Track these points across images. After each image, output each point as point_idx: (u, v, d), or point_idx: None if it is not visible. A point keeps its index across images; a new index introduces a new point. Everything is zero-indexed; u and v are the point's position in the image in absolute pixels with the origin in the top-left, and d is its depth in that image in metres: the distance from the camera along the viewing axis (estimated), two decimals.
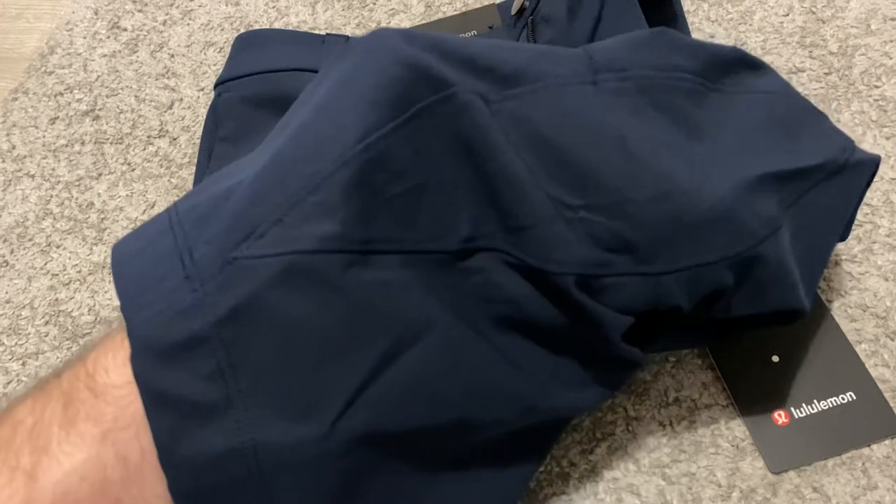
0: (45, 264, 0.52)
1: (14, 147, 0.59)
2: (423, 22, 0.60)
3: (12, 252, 0.53)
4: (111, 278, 0.50)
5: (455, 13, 0.60)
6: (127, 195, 0.54)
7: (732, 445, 0.38)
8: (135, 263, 0.28)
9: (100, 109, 0.60)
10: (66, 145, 0.58)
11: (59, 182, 0.56)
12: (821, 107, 0.48)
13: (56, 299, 0.50)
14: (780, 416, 0.38)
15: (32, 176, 0.57)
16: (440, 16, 0.60)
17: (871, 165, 0.35)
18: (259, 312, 0.26)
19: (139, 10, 0.66)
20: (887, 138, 0.47)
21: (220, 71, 0.54)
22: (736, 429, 0.38)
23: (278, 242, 0.26)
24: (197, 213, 0.29)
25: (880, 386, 0.38)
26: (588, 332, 0.30)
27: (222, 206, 0.28)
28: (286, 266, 0.26)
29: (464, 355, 0.29)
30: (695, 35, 0.53)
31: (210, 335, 0.25)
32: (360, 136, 0.28)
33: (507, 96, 0.30)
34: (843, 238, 0.38)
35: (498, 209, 0.29)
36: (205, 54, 0.62)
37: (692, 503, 0.37)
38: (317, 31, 0.61)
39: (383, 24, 0.60)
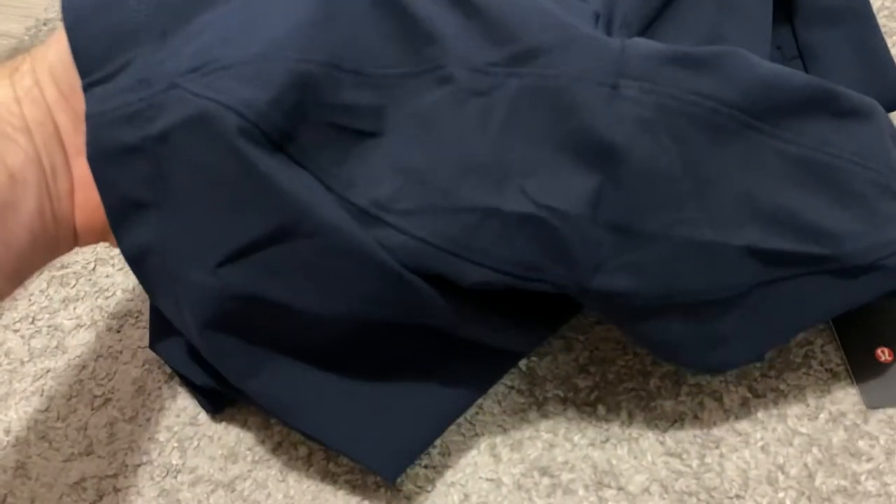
0: None
1: None
2: None
3: None
4: None
5: None
6: None
7: (826, 369, 0.37)
8: (102, 21, 0.30)
9: None
10: None
11: None
12: None
13: None
14: (883, 354, 0.37)
15: None
16: None
17: None
18: (176, 144, 0.29)
19: None
20: None
21: None
22: (832, 353, 0.37)
23: (210, 86, 0.28)
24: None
25: None
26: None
27: (200, 21, 0.30)
28: (200, 111, 0.28)
29: (353, 257, 0.30)
30: None
31: (146, 146, 0.29)
32: (338, 57, 0.29)
33: (513, 73, 0.29)
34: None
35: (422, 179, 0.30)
36: None
37: (777, 418, 0.36)
38: None
39: None
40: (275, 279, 0.31)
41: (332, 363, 0.35)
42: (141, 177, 0.30)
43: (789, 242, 0.30)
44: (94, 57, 0.29)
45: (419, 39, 0.30)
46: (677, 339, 0.32)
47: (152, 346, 0.39)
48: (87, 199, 0.31)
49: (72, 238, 0.32)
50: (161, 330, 0.38)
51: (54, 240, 0.32)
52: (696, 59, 0.29)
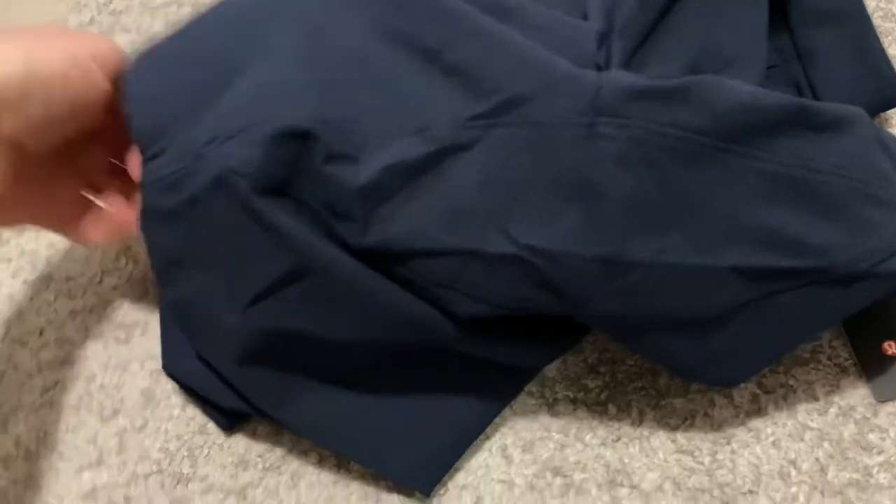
0: None
1: (111, 1, 0.58)
2: None
3: None
4: None
5: None
6: None
7: (834, 364, 0.37)
8: (154, 107, 0.35)
9: None
10: (164, 5, 0.57)
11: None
12: None
13: None
14: (890, 347, 0.37)
15: (128, 30, 0.56)
16: None
17: None
18: (202, 205, 0.33)
19: None
20: None
21: None
22: (840, 348, 0.37)
23: (223, 153, 0.32)
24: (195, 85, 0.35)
25: None
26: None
27: (223, 98, 0.34)
28: (215, 175, 0.32)
29: (358, 291, 0.33)
30: None
31: (181, 210, 0.34)
32: (325, 118, 0.32)
33: (495, 124, 0.31)
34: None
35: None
36: None
37: (787, 413, 0.36)
38: None
39: None
40: (298, 314, 0.34)
41: (361, 386, 0.36)
42: (179, 237, 0.34)
43: (775, 259, 0.30)
44: (147, 137, 0.34)
45: (403, 105, 0.32)
46: (678, 355, 0.33)
47: (166, 368, 0.40)
48: None
49: None
50: (176, 353, 0.39)
51: None
52: (667, 91, 0.30)
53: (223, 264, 0.34)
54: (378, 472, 0.36)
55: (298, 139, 0.31)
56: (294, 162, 0.32)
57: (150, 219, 0.35)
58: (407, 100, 0.32)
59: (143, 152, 0.34)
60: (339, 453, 0.37)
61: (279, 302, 0.33)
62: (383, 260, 0.32)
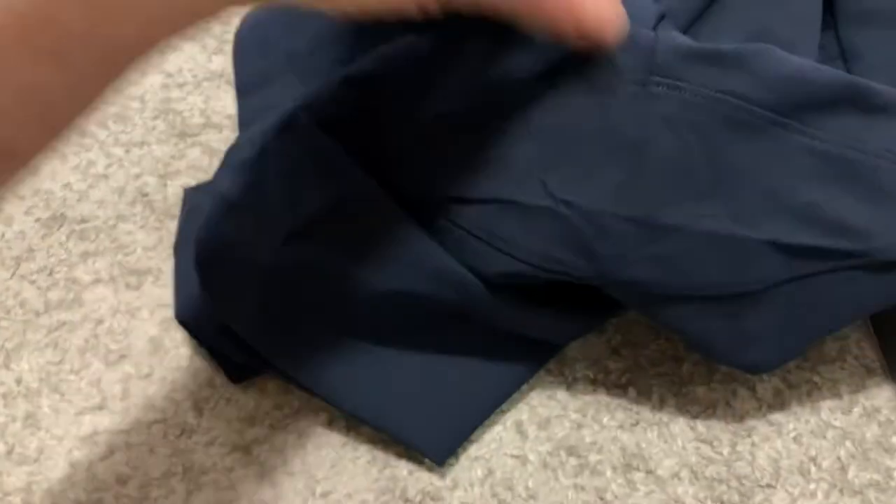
0: (161, 64, 0.51)
1: None
2: None
3: None
4: (227, 88, 0.49)
5: None
6: None
7: (861, 364, 0.36)
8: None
9: None
10: None
11: None
12: None
13: (168, 98, 0.49)
14: None
15: None
16: None
17: None
18: (271, 145, 0.34)
19: None
20: None
21: None
22: (868, 349, 0.37)
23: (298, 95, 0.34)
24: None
25: None
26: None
27: None
28: (287, 111, 0.33)
29: (393, 232, 0.33)
30: None
31: (249, 157, 0.35)
32: (384, 77, 0.34)
33: (552, 84, 0.31)
34: None
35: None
36: None
37: (811, 410, 0.35)
38: None
39: None
40: (331, 252, 0.33)
41: (381, 349, 0.36)
42: (243, 183, 0.35)
43: (815, 237, 0.30)
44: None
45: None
46: (706, 332, 0.32)
47: (178, 317, 0.39)
48: None
49: None
50: (190, 303, 0.39)
51: None
52: (723, 56, 0.29)
53: (269, 200, 0.34)
54: (393, 437, 0.35)
55: (365, 83, 0.32)
56: (357, 104, 0.32)
57: (223, 168, 0.36)
58: (473, 69, 0.32)
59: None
60: (353, 415, 0.36)
61: (314, 239, 0.33)
62: (422, 209, 0.32)
